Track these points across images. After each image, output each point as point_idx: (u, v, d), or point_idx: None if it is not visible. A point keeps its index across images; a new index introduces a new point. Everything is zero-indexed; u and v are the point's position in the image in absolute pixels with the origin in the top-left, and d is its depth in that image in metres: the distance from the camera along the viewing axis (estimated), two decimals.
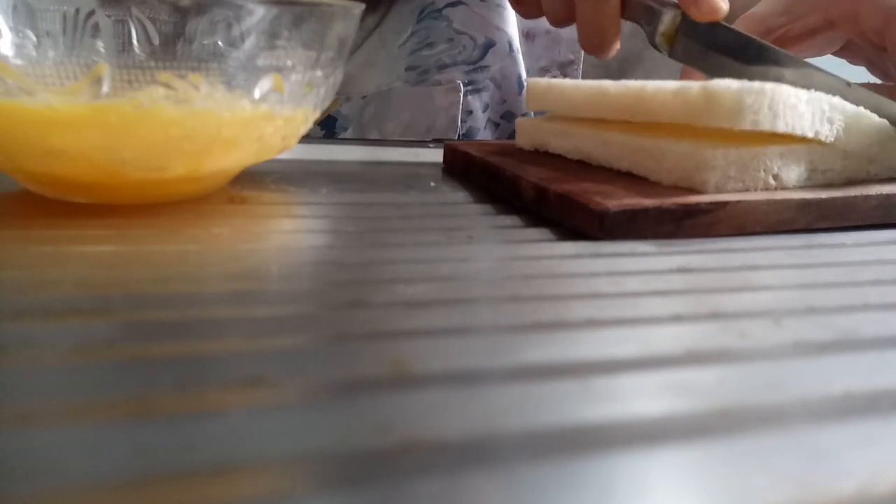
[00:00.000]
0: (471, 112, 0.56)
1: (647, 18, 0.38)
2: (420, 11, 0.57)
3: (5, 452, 0.12)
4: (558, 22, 0.41)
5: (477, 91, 0.56)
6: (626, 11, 0.39)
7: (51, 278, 0.20)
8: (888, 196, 0.30)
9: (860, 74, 0.47)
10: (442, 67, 0.56)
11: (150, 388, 0.14)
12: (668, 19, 0.37)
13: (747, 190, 0.29)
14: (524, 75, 0.58)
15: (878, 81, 0.48)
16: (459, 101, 0.56)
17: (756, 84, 0.28)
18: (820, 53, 0.47)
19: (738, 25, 0.45)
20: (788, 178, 0.30)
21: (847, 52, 0.47)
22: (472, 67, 0.56)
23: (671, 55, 0.38)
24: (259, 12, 0.26)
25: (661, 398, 0.15)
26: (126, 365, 0.15)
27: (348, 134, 0.59)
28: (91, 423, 0.13)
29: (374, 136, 0.57)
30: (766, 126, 0.28)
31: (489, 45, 0.56)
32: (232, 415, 0.14)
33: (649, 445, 0.13)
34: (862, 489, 0.12)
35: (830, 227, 0.29)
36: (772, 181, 0.30)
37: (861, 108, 0.31)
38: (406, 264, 0.23)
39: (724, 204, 0.27)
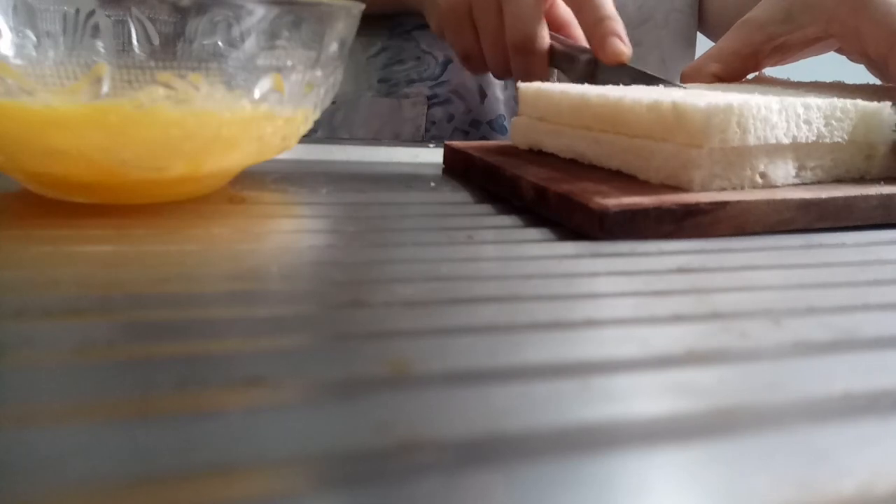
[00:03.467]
0: (434, 122, 0.62)
1: (568, 65, 0.46)
2: (391, 30, 0.64)
3: (5, 452, 0.12)
4: (500, 75, 0.49)
5: (440, 103, 0.62)
6: (551, 60, 0.46)
7: (51, 278, 0.20)
8: (888, 196, 0.30)
9: (859, 74, 0.47)
10: (410, 82, 0.63)
11: (150, 388, 0.14)
12: (583, 63, 0.45)
13: (734, 188, 0.29)
14: (487, 85, 0.63)
15: (878, 82, 0.48)
16: (424, 113, 0.62)
17: (724, 101, 0.28)
18: (818, 54, 0.47)
19: (736, 30, 0.45)
20: (775, 175, 0.30)
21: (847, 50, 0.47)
22: (434, 83, 0.62)
23: None
24: (259, 12, 0.26)
25: (661, 398, 0.15)
26: (126, 365, 0.15)
27: (319, 136, 0.64)
28: (91, 423, 0.13)
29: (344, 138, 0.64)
30: (735, 143, 0.28)
31: (447, 62, 0.62)
32: (232, 415, 0.14)
33: (649, 445, 0.13)
34: (862, 489, 0.12)
35: (830, 227, 0.29)
36: (759, 179, 0.30)
37: (836, 99, 0.31)
38: (406, 264, 0.23)
39: (724, 204, 0.27)
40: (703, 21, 0.69)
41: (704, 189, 0.28)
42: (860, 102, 0.31)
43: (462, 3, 0.47)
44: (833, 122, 0.31)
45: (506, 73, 0.48)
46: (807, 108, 0.30)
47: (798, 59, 0.47)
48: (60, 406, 0.14)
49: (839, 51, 0.47)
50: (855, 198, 0.29)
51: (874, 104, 0.32)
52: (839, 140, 0.31)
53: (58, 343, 0.16)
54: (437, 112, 0.62)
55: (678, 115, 0.28)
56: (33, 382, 0.15)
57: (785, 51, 0.45)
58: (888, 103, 0.32)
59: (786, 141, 0.29)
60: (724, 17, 0.65)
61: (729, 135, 0.28)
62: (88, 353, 0.16)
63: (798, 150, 0.31)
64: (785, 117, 0.29)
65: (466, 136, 0.62)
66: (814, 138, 0.30)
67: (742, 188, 0.29)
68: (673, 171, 0.29)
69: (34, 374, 0.15)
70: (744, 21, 0.45)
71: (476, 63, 0.49)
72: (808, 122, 0.30)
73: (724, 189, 0.29)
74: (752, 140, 0.28)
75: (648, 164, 0.30)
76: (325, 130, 0.65)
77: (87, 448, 0.12)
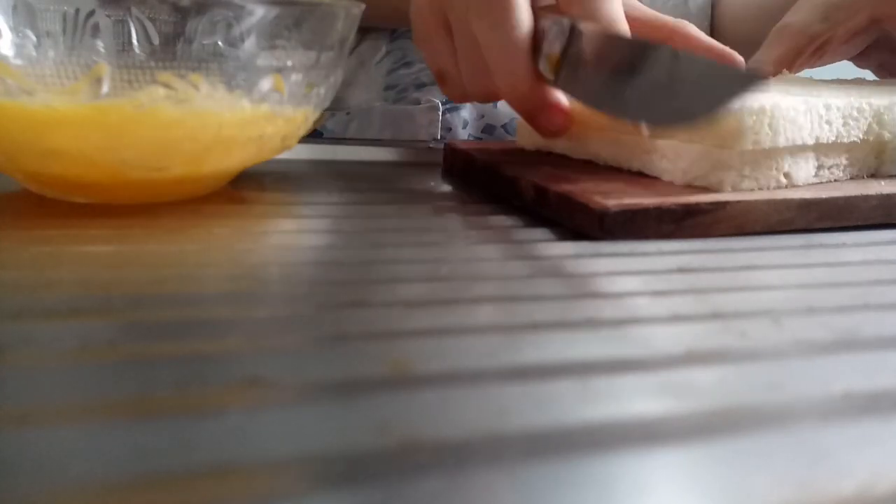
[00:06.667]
0: (450, 129, 0.58)
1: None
2: (392, 31, 0.59)
3: (5, 452, 0.12)
4: (482, 99, 0.37)
5: (455, 109, 0.58)
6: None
7: (51, 278, 0.20)
8: (888, 196, 0.30)
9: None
10: (420, 86, 0.58)
11: (150, 388, 0.14)
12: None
13: (761, 189, 0.29)
14: None
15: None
16: (438, 120, 0.57)
17: (756, 103, 0.28)
18: (844, 58, 0.48)
19: (778, 37, 0.45)
20: (798, 175, 0.30)
21: (862, 57, 0.48)
22: None
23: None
24: (259, 12, 0.26)
25: (661, 398, 0.15)
26: (126, 365, 0.15)
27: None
28: (91, 423, 0.13)
29: None
30: (766, 144, 0.28)
31: None
32: (232, 415, 0.14)
33: (649, 445, 0.13)
34: (862, 489, 0.12)
35: (830, 227, 0.29)
36: (783, 179, 0.30)
37: (852, 99, 0.31)
38: (406, 264, 0.23)
39: (724, 204, 0.27)
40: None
41: (735, 190, 0.28)
42: (874, 101, 0.31)
43: (434, 5, 0.35)
44: (850, 121, 0.31)
45: (490, 97, 0.36)
46: (827, 108, 0.30)
47: (831, 59, 0.47)
48: (60, 406, 0.14)
49: (854, 59, 0.48)
50: (855, 198, 0.29)
51: (885, 101, 0.32)
52: (855, 139, 0.31)
53: (58, 343, 0.16)
54: (452, 118, 0.58)
55: None
56: (33, 382, 0.15)
57: (827, 49, 0.45)
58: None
59: (810, 142, 0.30)
60: (738, 35, 0.65)
61: (762, 136, 0.28)
62: (88, 353, 0.16)
63: (818, 150, 0.31)
64: (809, 119, 0.29)
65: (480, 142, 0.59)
66: (833, 138, 0.30)
67: (768, 188, 0.29)
68: (702, 172, 0.29)
69: (34, 374, 0.15)
70: (782, 28, 0.45)
71: (452, 85, 0.37)
72: (829, 123, 0.30)
73: (751, 190, 0.29)
74: (781, 141, 0.28)
75: (675, 166, 0.30)
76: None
77: (87, 448, 0.12)
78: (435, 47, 0.36)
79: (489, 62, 0.33)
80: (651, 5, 0.64)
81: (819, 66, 0.48)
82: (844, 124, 0.31)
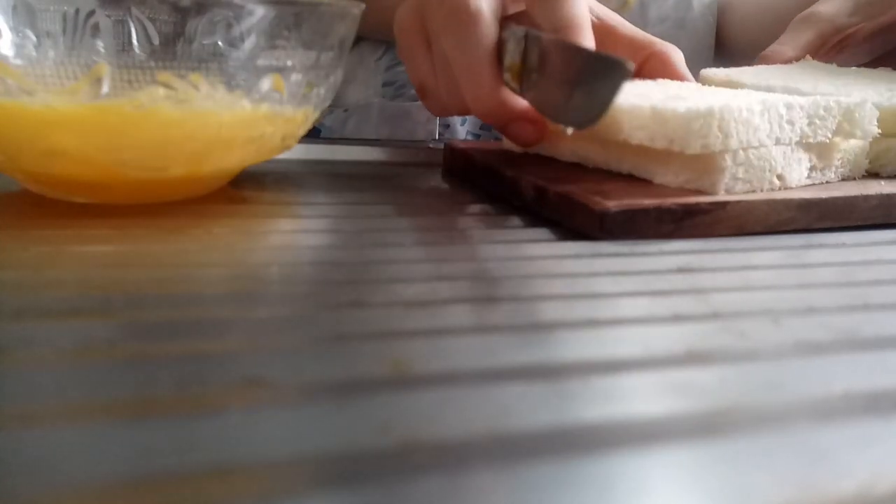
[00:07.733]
0: (448, 126, 0.57)
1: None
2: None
3: (5, 452, 0.12)
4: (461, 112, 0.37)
5: None
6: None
7: (51, 278, 0.20)
8: (888, 196, 0.30)
9: None
10: None
11: (150, 388, 0.14)
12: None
13: (754, 191, 0.29)
14: None
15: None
16: (436, 117, 0.56)
17: (704, 105, 0.27)
18: (860, 61, 0.48)
19: (804, 24, 0.45)
20: (791, 177, 0.30)
21: (876, 64, 0.48)
22: None
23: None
24: (259, 12, 0.26)
25: (661, 398, 0.15)
26: (126, 365, 0.15)
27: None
28: (91, 423, 0.13)
29: None
30: (717, 147, 0.27)
31: None
32: (232, 415, 0.14)
33: (649, 445, 0.13)
34: (862, 489, 0.12)
35: (830, 227, 0.29)
36: (776, 181, 0.30)
37: (819, 97, 0.30)
38: (406, 264, 0.23)
39: (724, 204, 0.27)
40: (719, 47, 0.68)
41: (728, 192, 0.28)
42: (843, 100, 0.31)
43: (414, 19, 0.35)
44: (816, 120, 0.30)
45: (467, 111, 0.35)
46: (789, 107, 0.29)
47: (852, 57, 0.47)
48: (60, 406, 0.14)
49: (873, 63, 0.48)
50: (855, 198, 0.29)
51: (856, 100, 0.31)
52: (823, 139, 0.30)
53: (58, 343, 0.16)
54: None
55: (658, 120, 0.28)
56: (33, 382, 0.15)
57: (852, 42, 0.45)
58: (869, 99, 0.31)
59: (769, 143, 0.29)
60: (746, 37, 0.64)
61: (711, 140, 0.27)
62: (88, 353, 0.16)
63: (810, 150, 0.31)
64: (767, 119, 0.29)
65: (478, 140, 0.59)
66: (797, 139, 0.30)
67: (762, 191, 0.29)
68: (695, 175, 0.28)
69: (34, 374, 0.15)
70: (808, 15, 0.45)
71: (432, 98, 0.37)
72: (791, 123, 0.29)
73: (744, 192, 0.29)
74: (734, 144, 0.28)
75: (667, 168, 0.29)
76: (337, 138, 0.62)
77: (87, 448, 0.12)
78: (416, 61, 0.36)
79: (457, 77, 0.33)
80: (651, 3, 0.64)
81: (835, 62, 0.47)
82: (810, 124, 0.30)
